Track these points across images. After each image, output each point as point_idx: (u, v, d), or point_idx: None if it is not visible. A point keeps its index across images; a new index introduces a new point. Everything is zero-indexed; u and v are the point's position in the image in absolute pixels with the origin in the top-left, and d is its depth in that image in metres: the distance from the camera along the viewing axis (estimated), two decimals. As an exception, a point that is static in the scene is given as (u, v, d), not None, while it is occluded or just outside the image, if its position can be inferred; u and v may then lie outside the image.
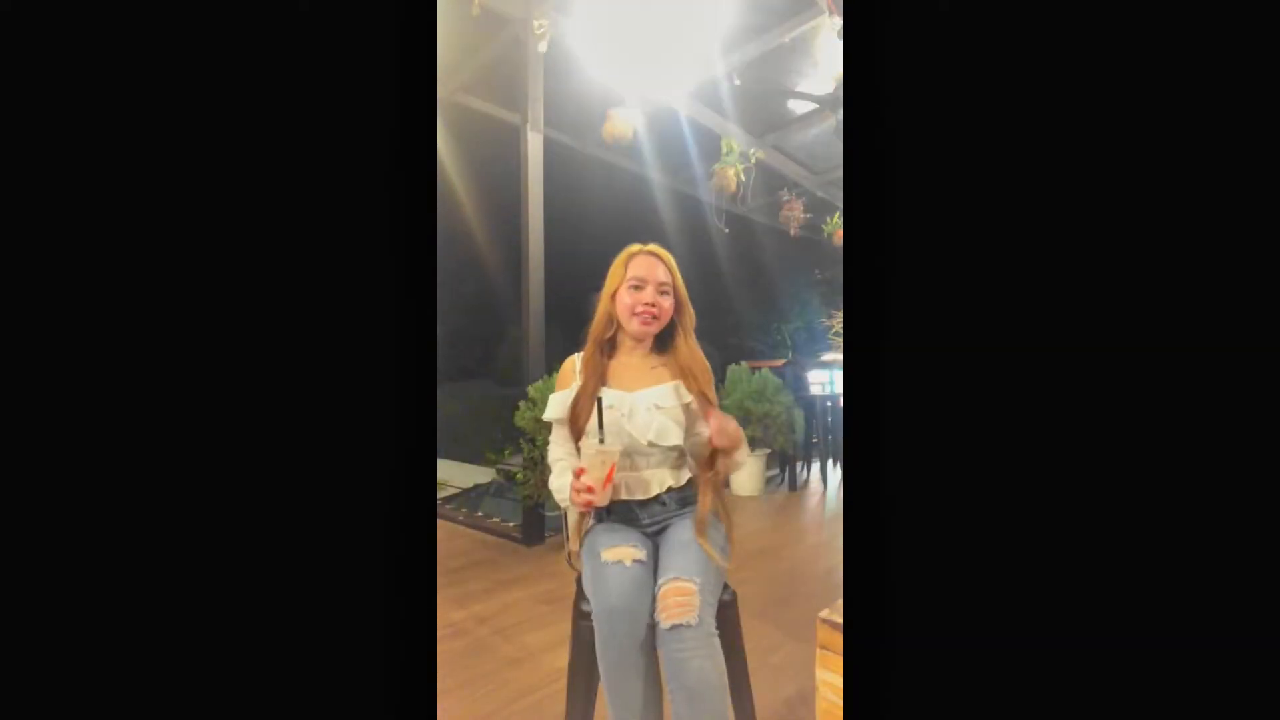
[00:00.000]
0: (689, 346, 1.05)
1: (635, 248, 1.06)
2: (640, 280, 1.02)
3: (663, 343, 1.08)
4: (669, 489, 1.02)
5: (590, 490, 0.93)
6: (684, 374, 1.03)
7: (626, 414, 1.00)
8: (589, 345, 1.06)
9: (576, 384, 1.04)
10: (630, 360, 1.07)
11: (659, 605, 0.86)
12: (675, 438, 1.00)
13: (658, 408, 1.01)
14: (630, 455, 1.01)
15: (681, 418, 1.02)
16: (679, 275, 1.06)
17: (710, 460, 1.01)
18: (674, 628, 0.83)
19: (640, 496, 1.02)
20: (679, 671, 0.82)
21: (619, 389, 1.02)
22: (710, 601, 0.88)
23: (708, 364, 1.05)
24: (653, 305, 1.02)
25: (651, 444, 1.00)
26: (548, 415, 1.07)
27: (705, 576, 0.89)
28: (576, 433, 1.02)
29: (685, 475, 1.05)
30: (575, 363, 1.08)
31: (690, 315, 1.07)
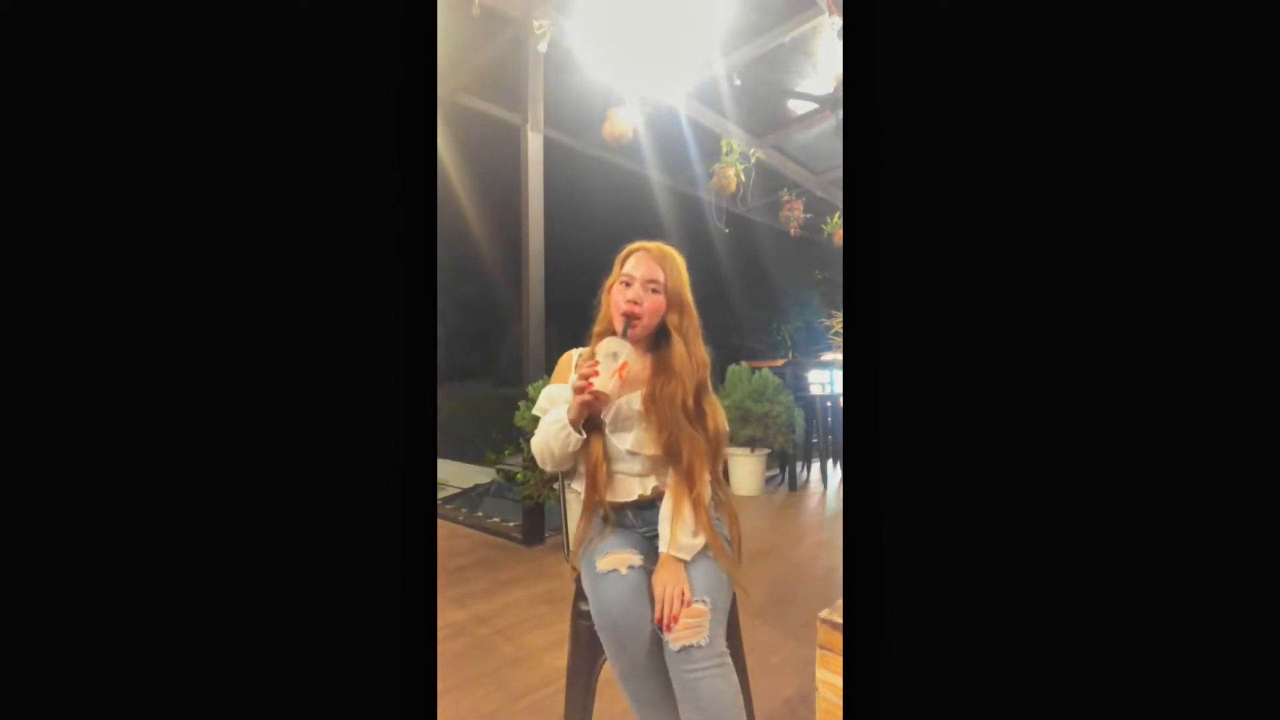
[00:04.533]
0: (679, 349, 0.98)
1: (636, 245, 1.02)
2: (629, 277, 0.99)
3: (657, 345, 1.03)
4: (654, 489, 0.99)
5: (595, 375, 0.88)
6: (667, 374, 0.98)
7: (609, 419, 0.97)
8: (591, 343, 1.03)
9: (574, 379, 1.01)
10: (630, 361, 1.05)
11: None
12: (654, 447, 0.96)
13: (628, 417, 0.98)
14: (612, 460, 0.99)
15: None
16: (680, 276, 1.01)
17: (688, 466, 0.95)
18: (684, 649, 0.81)
19: (623, 499, 0.99)
20: (693, 694, 0.80)
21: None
22: (720, 619, 0.86)
23: (703, 363, 1.00)
24: (635, 302, 0.97)
25: (631, 452, 0.97)
26: (539, 409, 1.02)
27: (715, 594, 0.87)
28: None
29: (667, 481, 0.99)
30: (574, 358, 1.04)
31: (690, 317, 1.01)
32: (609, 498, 0.98)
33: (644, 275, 0.98)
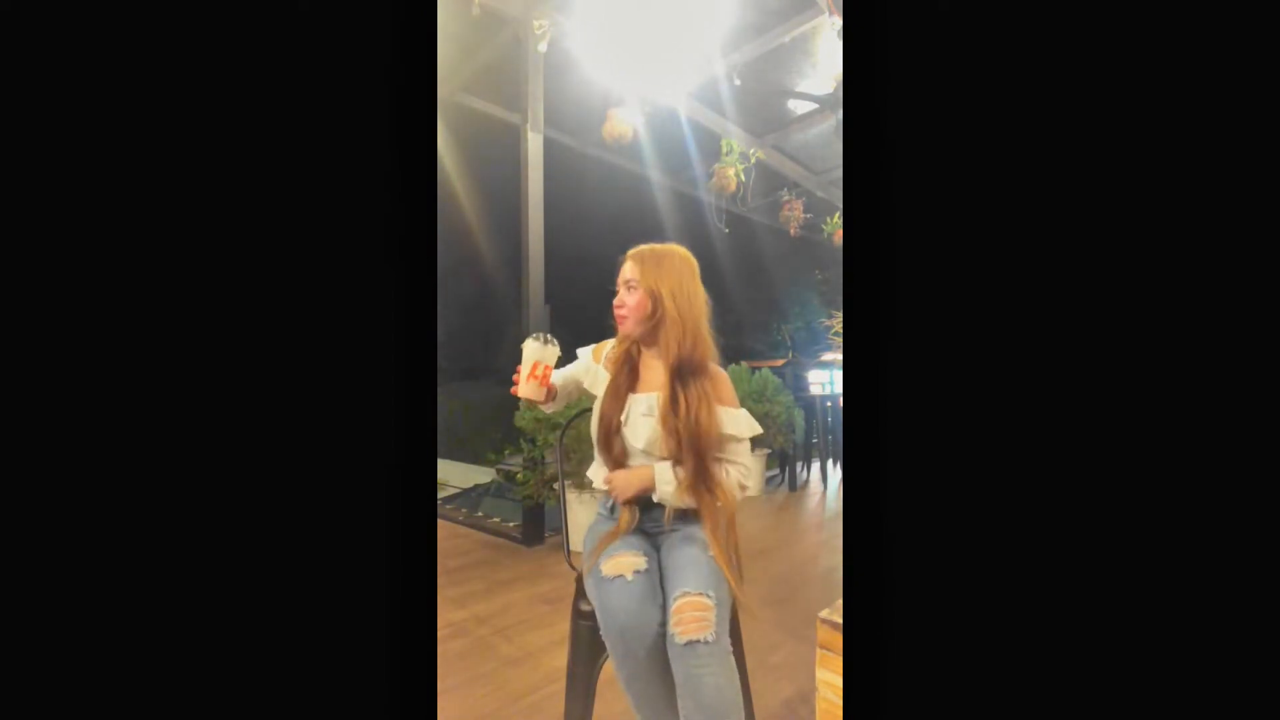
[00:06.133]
0: (672, 346, 1.00)
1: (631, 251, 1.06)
2: (618, 283, 1.05)
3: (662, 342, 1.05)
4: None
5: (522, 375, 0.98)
6: (671, 375, 1.00)
7: (625, 419, 1.01)
8: (617, 345, 1.08)
9: (598, 366, 1.08)
10: (645, 361, 1.07)
11: (674, 619, 0.84)
12: (664, 449, 0.98)
13: (644, 415, 1.00)
14: (631, 458, 1.02)
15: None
16: (659, 269, 1.00)
17: (700, 471, 0.97)
18: (690, 643, 0.81)
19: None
20: (695, 688, 0.80)
21: (639, 392, 1.04)
22: (724, 616, 0.87)
23: (705, 362, 1.02)
24: (620, 304, 1.03)
25: (644, 451, 1.00)
26: (576, 365, 1.11)
27: (720, 591, 0.88)
28: (604, 430, 1.02)
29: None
30: (605, 349, 1.10)
31: (671, 313, 0.99)
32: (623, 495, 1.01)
33: (623, 276, 1.03)
